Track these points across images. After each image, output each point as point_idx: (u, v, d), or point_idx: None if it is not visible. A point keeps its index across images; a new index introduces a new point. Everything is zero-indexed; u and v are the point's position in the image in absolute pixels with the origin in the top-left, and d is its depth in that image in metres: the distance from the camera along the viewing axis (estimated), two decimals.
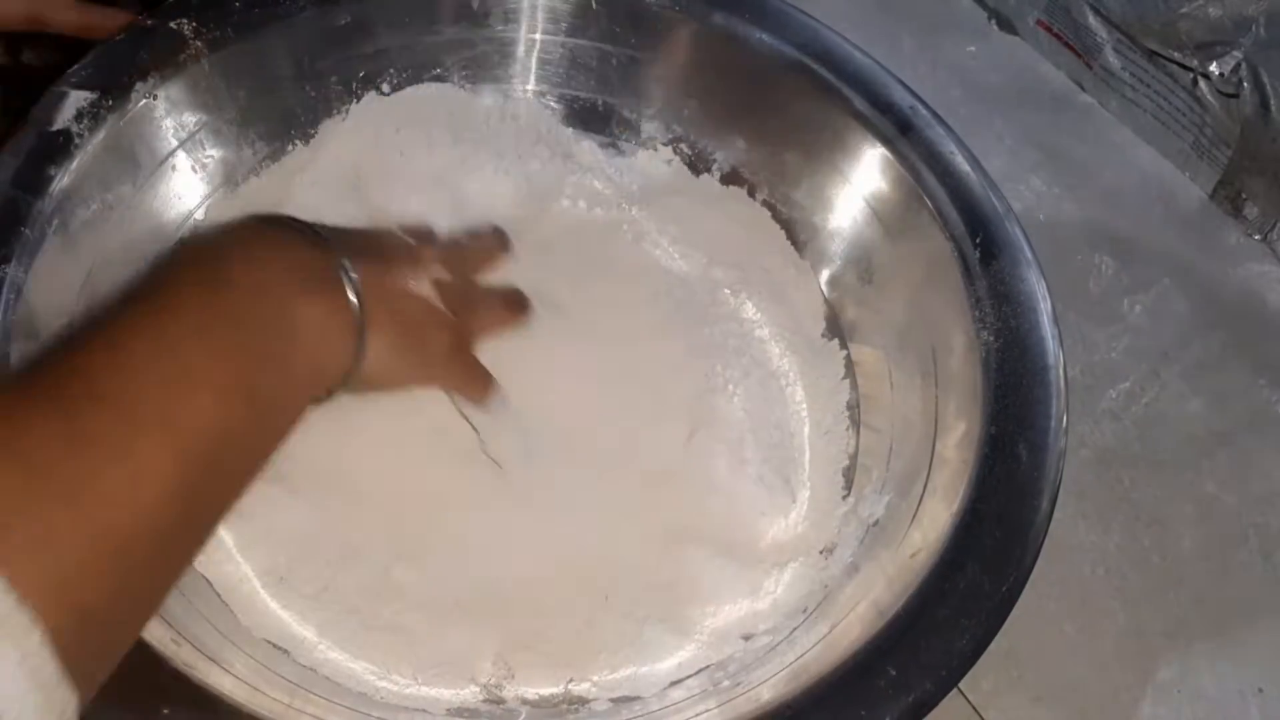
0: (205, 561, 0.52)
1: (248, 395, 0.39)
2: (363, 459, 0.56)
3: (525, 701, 0.53)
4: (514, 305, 0.58)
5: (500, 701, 0.53)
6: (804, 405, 0.62)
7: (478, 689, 0.53)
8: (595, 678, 0.54)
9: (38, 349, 0.50)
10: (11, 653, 0.28)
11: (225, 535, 0.53)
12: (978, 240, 0.58)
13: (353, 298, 0.46)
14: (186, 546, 0.37)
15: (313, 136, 0.65)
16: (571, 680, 0.54)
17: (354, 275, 0.46)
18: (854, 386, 0.63)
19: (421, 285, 0.52)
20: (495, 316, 0.57)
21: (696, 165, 0.68)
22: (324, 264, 0.46)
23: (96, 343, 0.37)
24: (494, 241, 0.61)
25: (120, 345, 0.37)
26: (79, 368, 0.36)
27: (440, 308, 0.53)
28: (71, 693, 0.30)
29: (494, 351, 0.56)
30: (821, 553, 0.57)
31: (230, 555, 0.53)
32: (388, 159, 0.65)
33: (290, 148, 0.64)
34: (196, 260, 0.44)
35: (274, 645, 0.52)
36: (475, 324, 0.55)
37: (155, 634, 0.44)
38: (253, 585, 0.53)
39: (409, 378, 0.53)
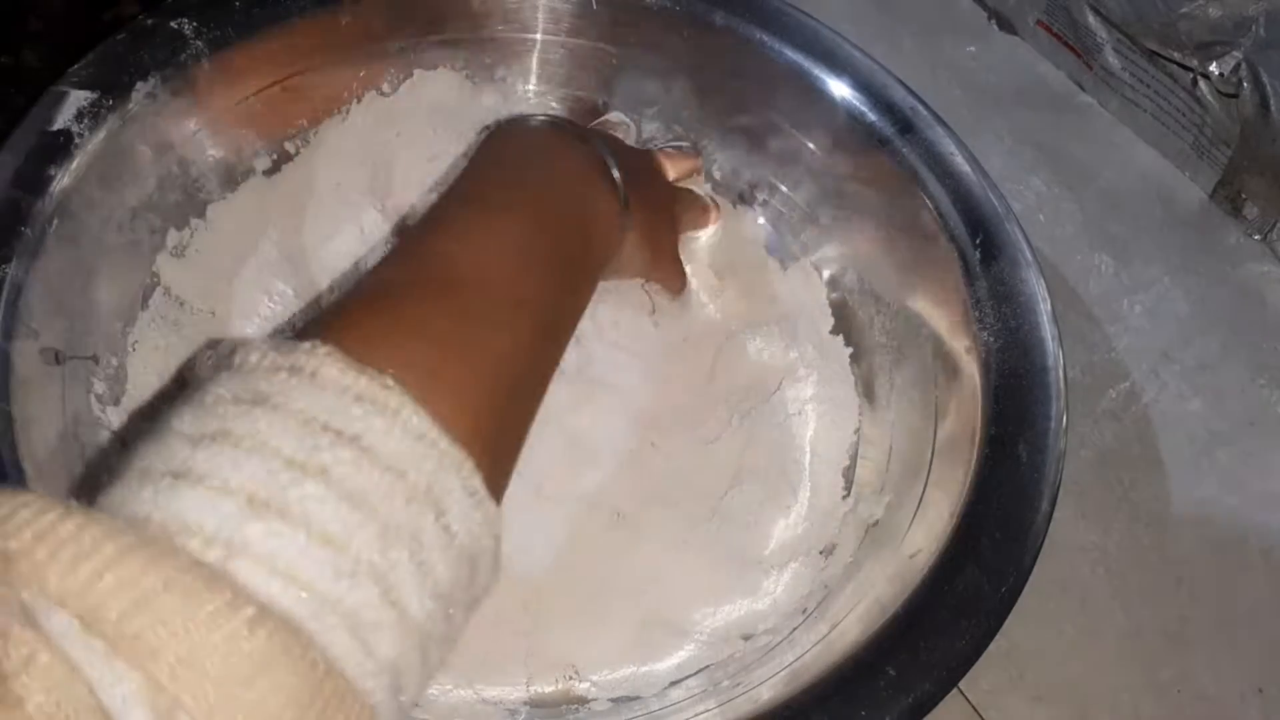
0: None
1: (571, 268, 0.47)
2: None
3: (525, 701, 0.53)
4: (707, 209, 0.66)
5: (499, 701, 0.53)
6: (806, 406, 0.62)
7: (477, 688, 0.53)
8: (595, 678, 0.54)
9: None
10: (455, 482, 0.33)
11: None
12: (978, 241, 0.58)
13: (620, 189, 0.52)
14: (540, 393, 0.43)
15: (313, 136, 0.65)
16: (572, 680, 0.54)
17: (618, 172, 0.52)
18: (855, 386, 0.63)
19: (660, 184, 0.62)
20: (697, 218, 0.66)
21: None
22: (598, 160, 0.52)
23: (449, 227, 0.44)
24: (693, 153, 0.67)
25: (469, 233, 0.43)
26: (441, 251, 0.42)
27: (673, 205, 0.62)
28: (494, 505, 0.35)
29: None
30: (821, 553, 0.57)
31: None
32: (388, 159, 0.65)
33: (291, 147, 0.64)
34: (504, 162, 0.50)
35: None
36: (685, 223, 0.64)
37: None
38: None
39: (641, 270, 0.60)
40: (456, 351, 0.37)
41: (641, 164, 0.61)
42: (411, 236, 0.46)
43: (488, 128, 0.64)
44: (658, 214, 0.59)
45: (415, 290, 0.40)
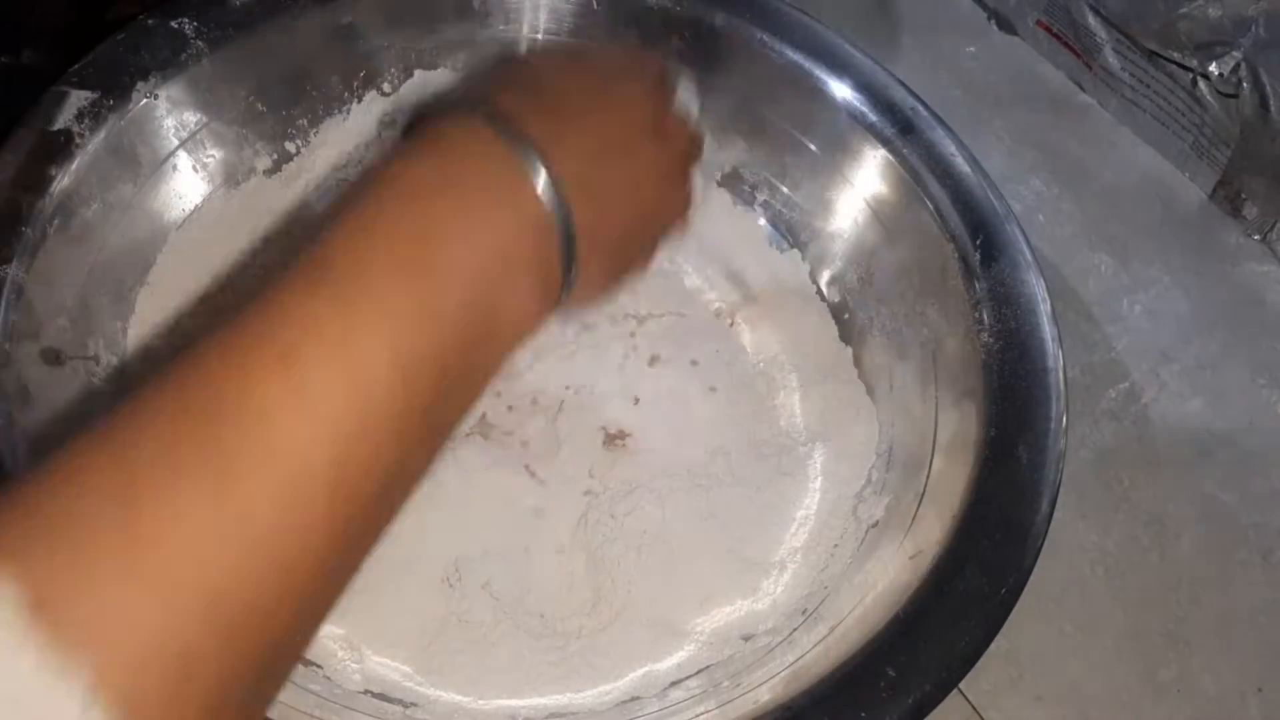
0: None
1: (483, 309, 0.34)
2: None
3: (525, 703, 0.53)
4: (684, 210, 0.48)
5: (499, 704, 0.53)
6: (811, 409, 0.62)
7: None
8: (595, 678, 0.54)
9: None
10: None
11: None
12: (978, 242, 0.58)
13: (553, 206, 0.37)
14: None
15: (314, 136, 0.65)
16: (572, 679, 0.54)
17: (557, 180, 0.37)
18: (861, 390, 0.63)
19: (640, 180, 0.43)
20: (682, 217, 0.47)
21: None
22: (534, 209, 0.37)
23: (337, 241, 0.33)
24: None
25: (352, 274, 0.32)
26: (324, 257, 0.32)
27: (657, 192, 0.44)
28: None
29: None
30: (821, 553, 0.57)
31: None
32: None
33: (291, 147, 0.64)
34: (380, 228, 0.34)
35: None
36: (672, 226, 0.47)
37: None
38: None
39: (615, 289, 0.44)
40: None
41: (619, 154, 0.42)
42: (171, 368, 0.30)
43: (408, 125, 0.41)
44: (631, 230, 0.43)
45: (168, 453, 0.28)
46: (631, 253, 0.45)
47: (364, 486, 0.31)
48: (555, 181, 0.37)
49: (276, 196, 0.63)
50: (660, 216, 0.45)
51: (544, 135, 0.38)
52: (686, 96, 0.46)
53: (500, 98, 0.39)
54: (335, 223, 0.34)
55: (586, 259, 0.39)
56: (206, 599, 0.27)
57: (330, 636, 0.52)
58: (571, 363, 0.62)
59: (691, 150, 0.47)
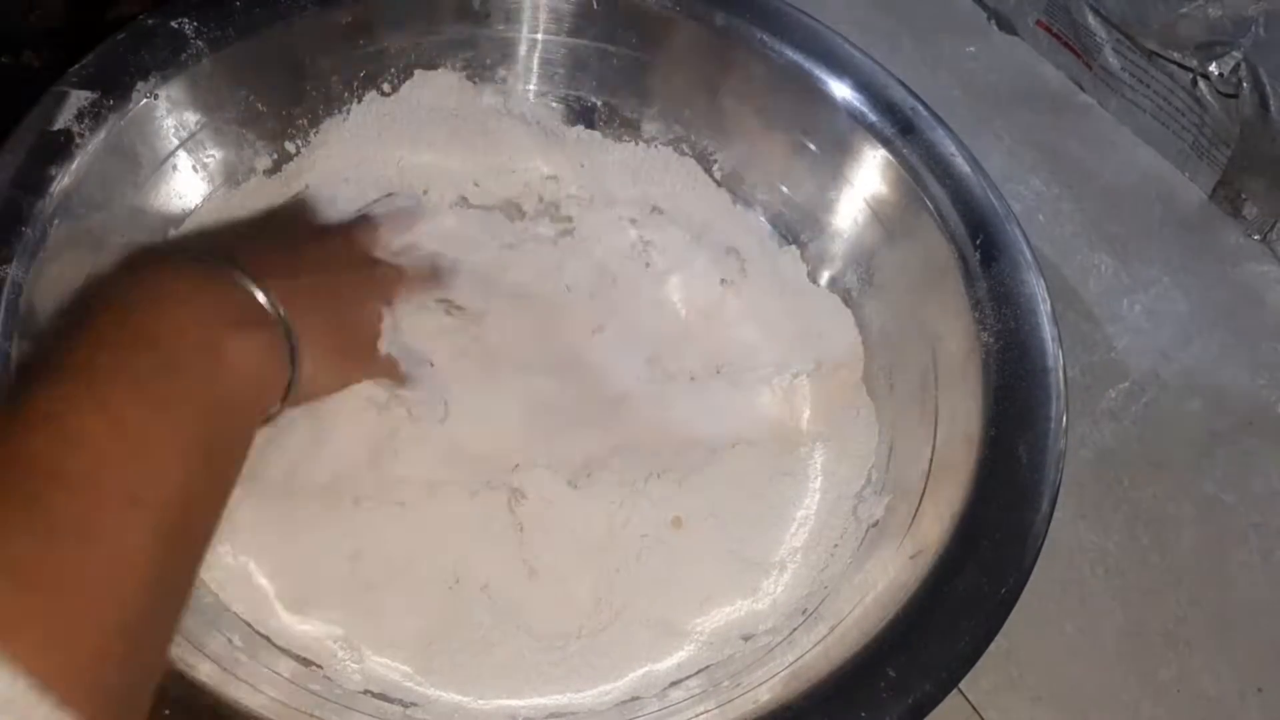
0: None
1: (204, 450, 0.39)
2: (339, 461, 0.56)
3: (525, 702, 0.53)
4: (431, 274, 0.57)
5: (499, 706, 0.53)
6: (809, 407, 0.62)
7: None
8: (595, 678, 0.54)
9: None
10: None
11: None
12: (978, 242, 0.58)
13: (276, 315, 0.45)
14: (176, 599, 0.37)
15: (314, 136, 0.65)
16: (571, 679, 0.54)
17: (271, 295, 0.45)
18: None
19: (340, 278, 0.52)
20: (414, 287, 0.56)
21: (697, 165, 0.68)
22: (238, 292, 0.45)
23: (36, 418, 0.35)
24: (405, 210, 0.59)
25: (65, 420, 0.35)
26: (29, 452, 0.34)
27: (364, 301, 0.53)
28: None
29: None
30: (821, 553, 0.57)
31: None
32: (389, 159, 0.65)
33: (291, 147, 0.64)
34: (113, 317, 0.41)
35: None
36: (397, 298, 0.55)
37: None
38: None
39: (345, 380, 0.53)
40: (49, 580, 0.32)
41: (317, 260, 0.52)
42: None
43: (110, 283, 0.52)
44: (346, 318, 0.52)
45: None
46: (355, 339, 0.53)
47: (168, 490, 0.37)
48: (275, 302, 0.45)
49: (276, 196, 0.63)
50: (368, 307, 0.54)
51: (267, 272, 0.46)
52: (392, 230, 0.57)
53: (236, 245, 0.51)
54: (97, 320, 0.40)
55: (314, 354, 0.47)
56: None
57: (330, 636, 0.52)
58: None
59: (373, 237, 0.56)
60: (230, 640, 0.50)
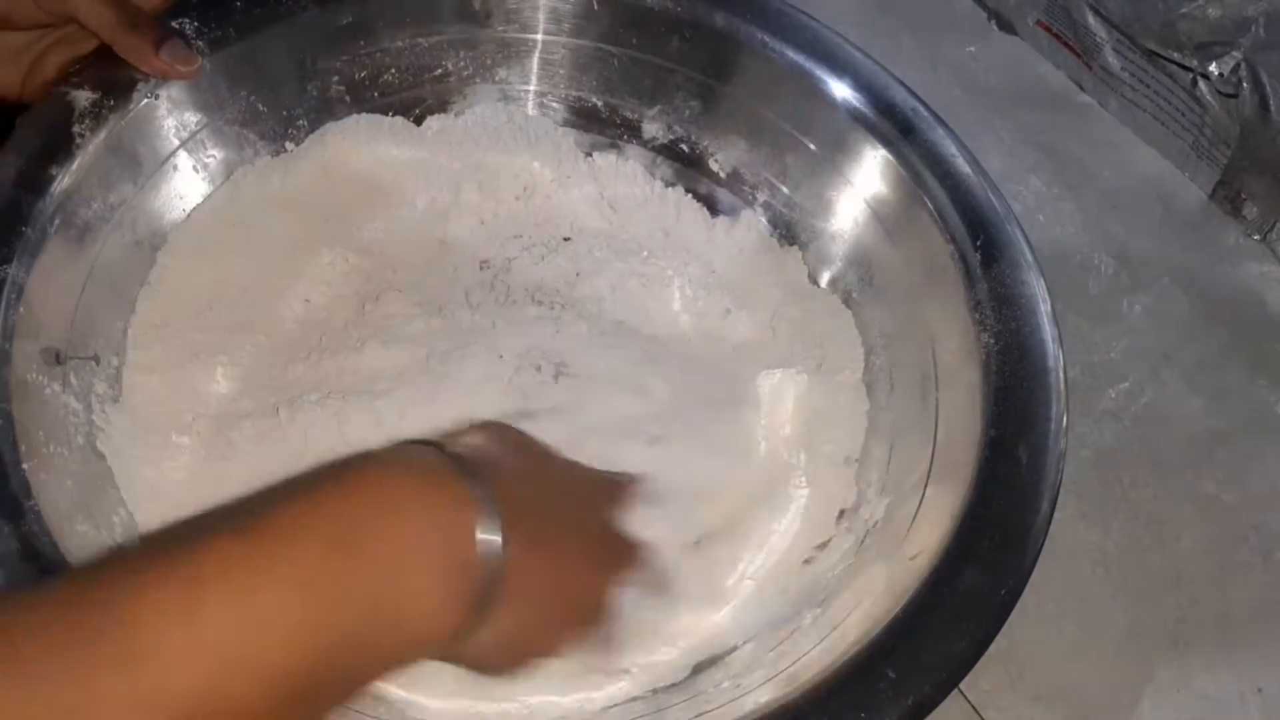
0: None
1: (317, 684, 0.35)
2: None
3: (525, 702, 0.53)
4: (633, 560, 0.48)
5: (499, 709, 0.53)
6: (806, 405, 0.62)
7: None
8: (595, 678, 0.54)
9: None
10: None
11: None
12: (978, 243, 0.58)
13: (488, 570, 0.38)
14: None
15: (314, 137, 0.65)
16: (570, 680, 0.54)
17: (505, 543, 0.39)
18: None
19: (580, 554, 0.45)
20: (622, 568, 0.47)
21: (697, 165, 0.68)
22: (464, 534, 0.38)
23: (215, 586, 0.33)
24: (631, 484, 0.51)
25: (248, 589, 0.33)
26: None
27: (595, 580, 0.45)
28: None
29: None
30: (821, 554, 0.57)
31: None
32: (389, 159, 0.65)
33: (291, 147, 0.64)
34: (319, 505, 0.37)
35: None
36: (611, 573, 0.47)
37: None
38: None
39: (528, 659, 0.45)
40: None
41: (567, 528, 0.45)
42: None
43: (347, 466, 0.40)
44: (565, 593, 0.44)
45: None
46: (557, 620, 0.44)
47: None
48: (494, 513, 0.39)
49: (275, 197, 0.63)
50: (587, 601, 0.46)
51: (493, 477, 0.40)
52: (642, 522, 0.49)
53: (462, 451, 0.41)
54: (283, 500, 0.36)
55: (507, 604, 0.39)
56: None
57: None
58: None
59: (625, 565, 0.47)
60: None
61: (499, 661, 0.43)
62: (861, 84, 0.62)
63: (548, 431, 0.48)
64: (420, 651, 0.39)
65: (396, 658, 0.38)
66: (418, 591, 0.37)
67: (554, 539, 0.43)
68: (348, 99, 0.65)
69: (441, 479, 0.39)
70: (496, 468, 0.41)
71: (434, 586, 0.37)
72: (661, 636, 0.54)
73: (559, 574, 0.43)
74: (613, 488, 0.50)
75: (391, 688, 0.51)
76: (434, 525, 0.38)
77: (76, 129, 0.55)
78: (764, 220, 0.67)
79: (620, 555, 0.47)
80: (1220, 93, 0.72)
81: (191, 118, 0.60)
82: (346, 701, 0.38)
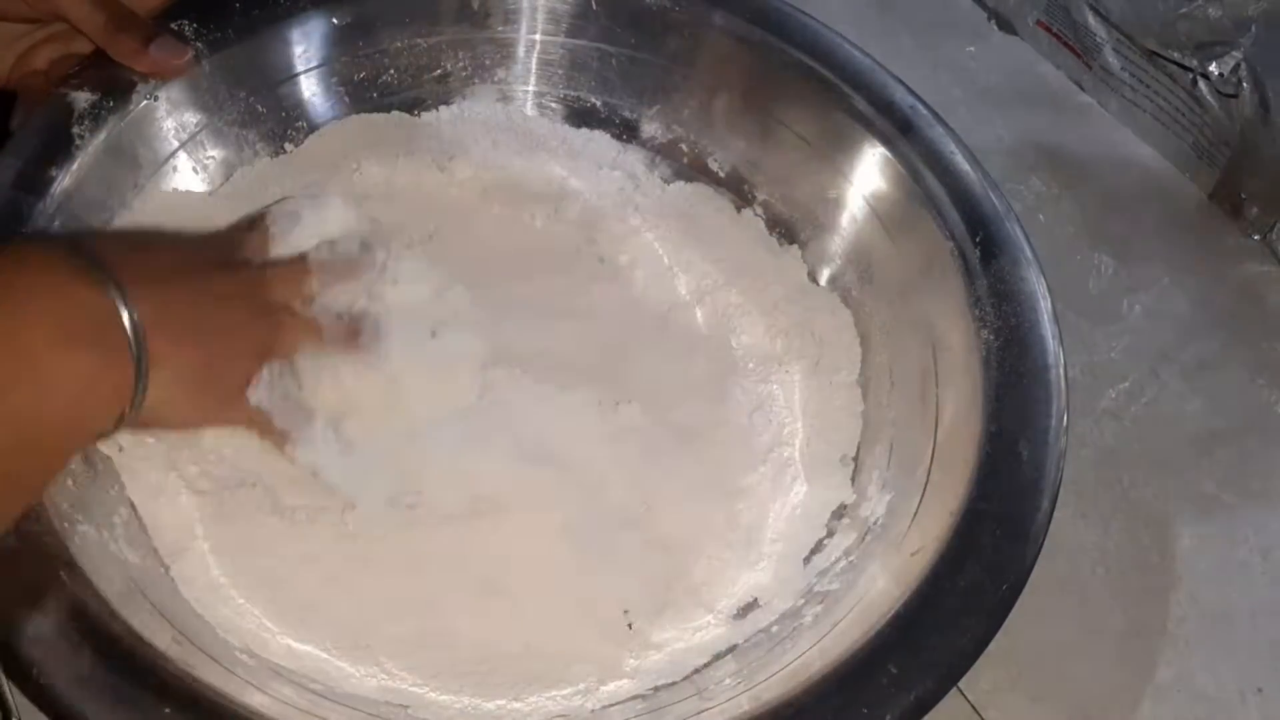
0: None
1: None
2: None
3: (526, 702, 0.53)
4: (347, 333, 0.50)
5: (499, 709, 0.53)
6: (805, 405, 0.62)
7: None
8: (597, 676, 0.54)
9: None
10: None
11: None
12: (978, 240, 0.58)
13: (129, 334, 0.41)
14: None
15: (314, 137, 0.65)
16: (571, 676, 0.54)
17: (131, 305, 0.41)
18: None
19: (226, 311, 0.47)
20: (310, 346, 0.49)
21: (696, 165, 0.68)
22: (94, 299, 0.41)
23: None
24: (345, 260, 0.51)
25: None
26: None
27: (244, 344, 0.48)
28: None
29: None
30: (822, 551, 0.57)
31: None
32: (388, 159, 0.65)
33: (291, 148, 0.64)
34: None
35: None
36: (292, 353, 0.49)
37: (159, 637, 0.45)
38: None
39: (205, 418, 0.49)
40: None
41: (211, 283, 0.47)
42: None
43: None
44: (221, 352, 0.47)
45: None
46: (220, 379, 0.47)
47: None
48: (132, 314, 0.41)
49: (273, 197, 0.63)
50: (253, 348, 0.48)
51: (123, 265, 0.42)
52: (289, 224, 0.51)
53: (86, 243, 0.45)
54: None
55: (165, 381, 0.43)
56: None
57: (329, 637, 0.52)
58: None
59: (298, 283, 0.50)
60: (230, 641, 0.50)
61: (182, 415, 0.47)
62: (861, 82, 0.63)
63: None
64: (86, 427, 0.42)
65: (66, 438, 0.41)
66: (68, 391, 0.40)
67: (189, 292, 0.46)
68: (347, 99, 0.65)
69: (51, 260, 0.41)
70: (117, 244, 0.45)
71: (62, 361, 0.39)
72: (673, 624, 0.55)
73: (202, 320, 0.46)
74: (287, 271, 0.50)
75: (392, 684, 0.51)
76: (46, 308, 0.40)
77: (76, 130, 0.55)
78: (763, 219, 0.67)
79: (280, 327, 0.49)
80: (1220, 93, 0.72)
81: (191, 118, 0.60)
82: (38, 485, 0.42)
